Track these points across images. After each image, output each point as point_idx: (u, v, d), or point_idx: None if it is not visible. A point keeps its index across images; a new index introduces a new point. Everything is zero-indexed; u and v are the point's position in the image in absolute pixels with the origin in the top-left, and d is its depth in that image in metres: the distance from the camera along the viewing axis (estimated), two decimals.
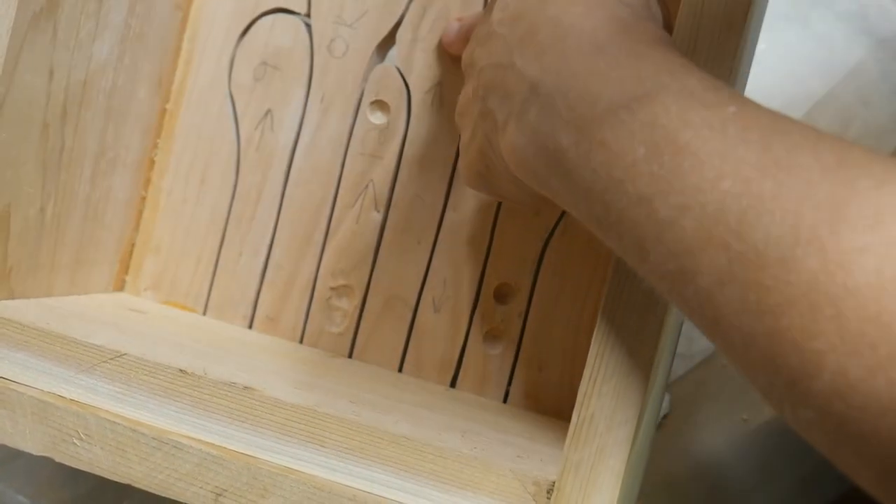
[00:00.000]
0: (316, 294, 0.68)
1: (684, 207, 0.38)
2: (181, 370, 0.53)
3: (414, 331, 0.67)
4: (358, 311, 0.67)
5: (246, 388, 0.52)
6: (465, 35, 0.63)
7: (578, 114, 0.43)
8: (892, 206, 0.34)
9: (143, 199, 0.70)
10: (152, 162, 0.70)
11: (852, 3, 0.74)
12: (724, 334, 0.37)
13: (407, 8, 0.67)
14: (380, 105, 0.67)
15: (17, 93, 0.55)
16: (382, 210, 0.67)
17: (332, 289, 0.68)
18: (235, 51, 0.69)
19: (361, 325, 0.67)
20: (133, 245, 0.70)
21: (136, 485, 0.52)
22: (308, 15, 0.68)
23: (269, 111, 0.69)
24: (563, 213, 0.64)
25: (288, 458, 0.51)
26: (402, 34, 0.67)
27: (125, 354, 0.53)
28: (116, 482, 0.52)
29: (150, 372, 0.53)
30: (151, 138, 0.69)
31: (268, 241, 0.69)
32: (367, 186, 0.67)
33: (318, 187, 0.68)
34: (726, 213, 0.37)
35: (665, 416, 0.74)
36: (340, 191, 0.68)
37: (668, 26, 0.51)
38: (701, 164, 0.38)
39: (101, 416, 0.52)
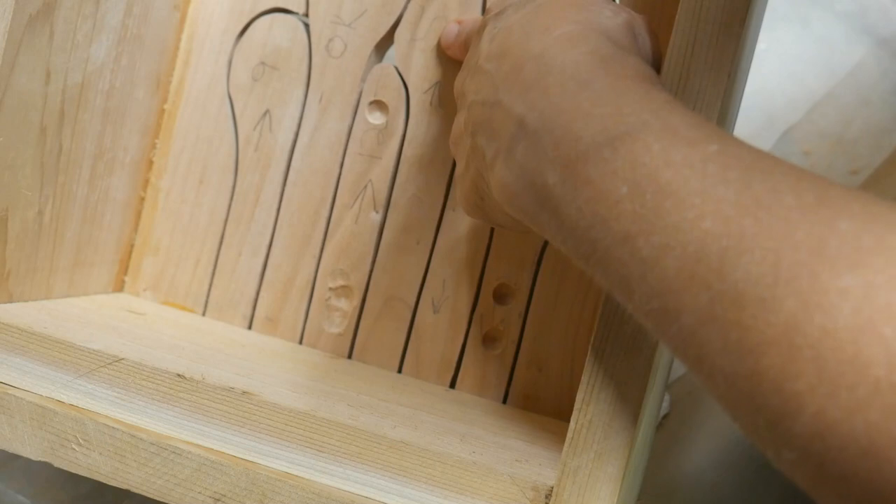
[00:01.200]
0: (315, 295, 0.68)
1: (666, 247, 0.39)
2: (179, 375, 0.53)
3: (413, 331, 0.67)
4: (357, 312, 0.67)
5: (244, 392, 0.52)
6: (464, 39, 0.63)
7: (563, 151, 0.44)
8: (870, 247, 0.34)
9: (142, 199, 0.70)
10: (151, 162, 0.70)
11: (852, 3, 0.74)
12: (707, 373, 0.38)
13: (405, 8, 0.66)
14: (378, 105, 0.67)
15: (13, 96, 0.55)
16: (381, 210, 0.67)
17: (332, 289, 0.68)
18: (233, 51, 0.69)
19: (361, 325, 0.67)
20: (132, 246, 0.70)
21: (135, 490, 0.52)
22: (306, 15, 0.68)
23: (267, 111, 0.68)
24: None
25: (286, 463, 0.51)
26: (400, 34, 0.67)
27: (123, 359, 0.53)
28: None
29: (149, 377, 0.53)
30: (150, 139, 0.69)
31: (267, 242, 0.68)
32: (365, 187, 0.67)
33: (316, 188, 0.68)
34: (707, 252, 0.37)
35: (665, 416, 0.74)
36: (339, 191, 0.67)
37: (658, 57, 0.52)
38: (681, 204, 0.39)
39: (100, 421, 0.52)
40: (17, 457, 0.53)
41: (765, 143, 0.75)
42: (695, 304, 0.37)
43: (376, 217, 0.67)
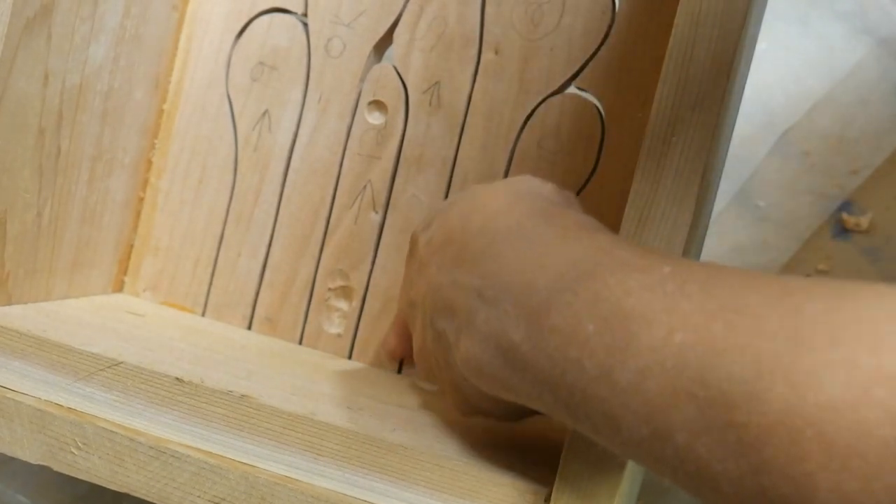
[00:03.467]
0: (315, 295, 0.68)
1: (644, 370, 0.39)
2: (178, 378, 0.53)
3: None
4: (357, 313, 0.67)
5: (243, 396, 0.52)
6: (401, 330, 0.62)
7: (524, 307, 0.44)
8: (842, 322, 0.35)
9: (142, 199, 0.70)
10: (150, 163, 0.70)
11: (852, 3, 0.74)
12: (711, 485, 0.37)
13: (404, 7, 0.66)
14: (377, 105, 0.67)
15: (11, 99, 0.55)
16: (381, 211, 0.67)
17: (331, 290, 0.67)
18: (232, 51, 0.69)
19: (360, 326, 0.67)
20: (131, 246, 0.70)
21: (134, 493, 0.52)
22: (305, 14, 0.68)
23: (266, 112, 0.68)
24: None
25: (285, 466, 0.51)
26: (399, 34, 0.66)
27: (122, 363, 0.53)
28: None
29: (147, 380, 0.53)
30: (149, 139, 0.69)
31: (266, 242, 0.68)
32: (364, 187, 0.67)
33: (316, 188, 0.68)
34: (686, 364, 0.38)
35: None
36: (338, 191, 0.67)
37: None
38: (650, 325, 0.39)
39: (99, 424, 0.52)
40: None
41: (765, 143, 0.75)
42: (685, 418, 0.37)
43: (376, 217, 0.67)
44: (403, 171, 0.66)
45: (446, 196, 0.66)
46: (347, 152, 0.67)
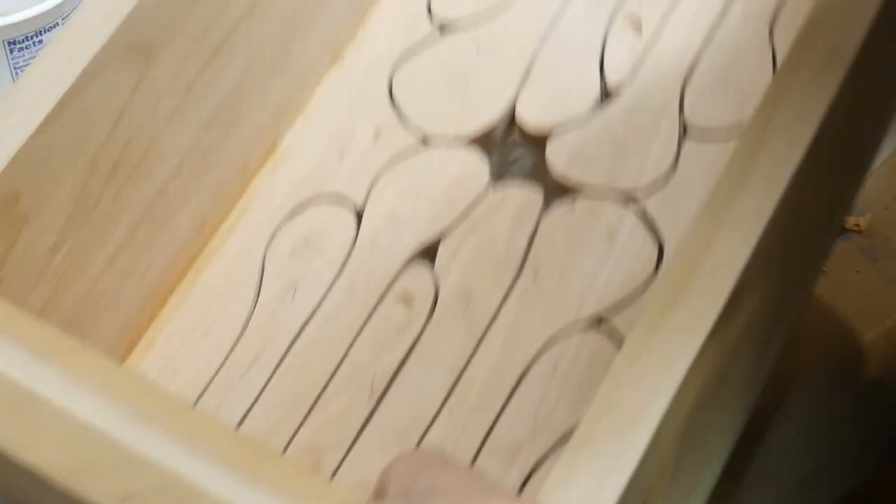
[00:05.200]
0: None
1: None
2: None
3: None
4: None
5: None
6: None
7: None
8: None
9: (140, 336, 0.68)
10: (163, 301, 0.68)
11: None
12: None
13: (456, 222, 0.68)
14: (405, 300, 0.67)
15: (81, 104, 0.55)
16: (375, 399, 0.65)
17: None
18: (279, 227, 0.70)
19: None
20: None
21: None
22: (361, 213, 0.70)
23: (294, 286, 0.68)
24: None
25: None
26: (446, 243, 0.68)
27: None
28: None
29: None
30: (171, 277, 0.68)
31: (247, 405, 0.65)
32: (367, 374, 0.65)
33: (318, 364, 0.66)
34: None
35: None
36: (339, 372, 0.66)
37: None
38: None
39: None
40: None
41: None
42: None
43: (368, 405, 0.64)
44: (411, 366, 0.65)
45: (445, 399, 0.64)
46: (360, 338, 0.66)
